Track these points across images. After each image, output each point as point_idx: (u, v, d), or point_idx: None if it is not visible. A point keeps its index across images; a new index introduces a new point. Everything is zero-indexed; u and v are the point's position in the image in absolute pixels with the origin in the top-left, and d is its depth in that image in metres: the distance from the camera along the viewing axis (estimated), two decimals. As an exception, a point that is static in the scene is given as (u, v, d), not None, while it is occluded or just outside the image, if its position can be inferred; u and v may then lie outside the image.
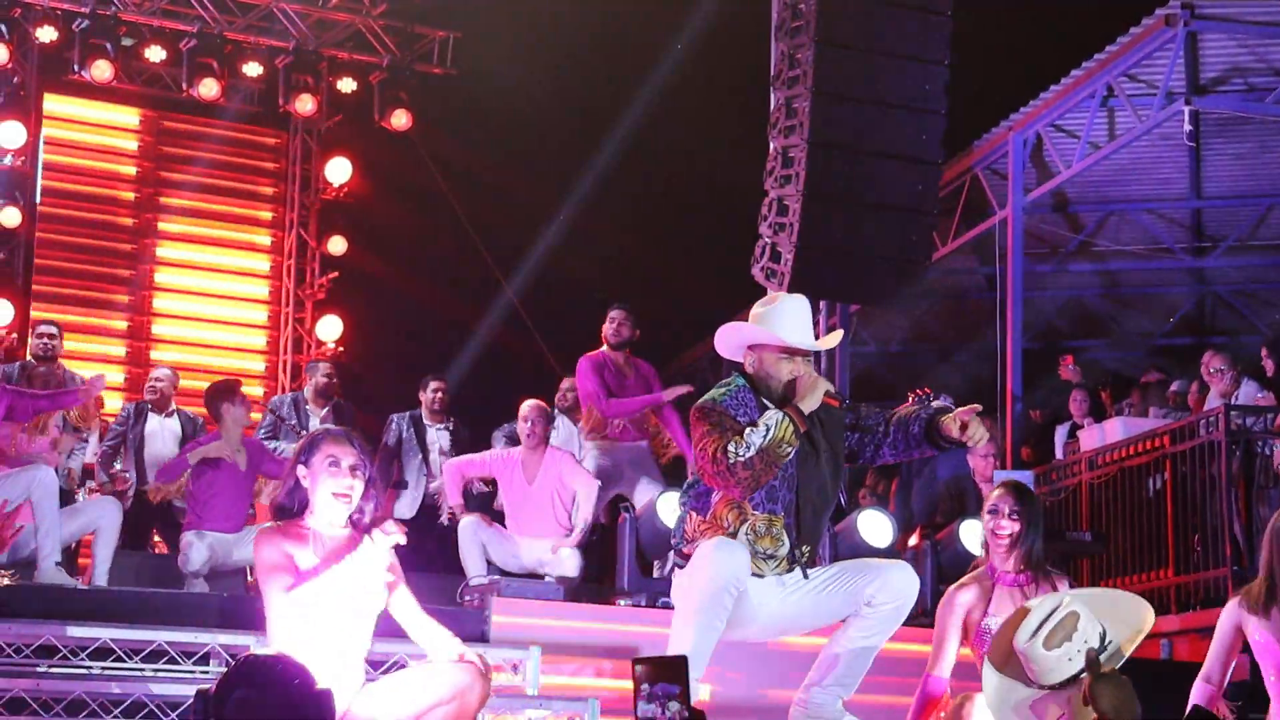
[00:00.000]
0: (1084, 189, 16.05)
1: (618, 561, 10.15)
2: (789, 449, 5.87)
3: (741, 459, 5.82)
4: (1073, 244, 17.20)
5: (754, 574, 6.04)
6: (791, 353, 6.11)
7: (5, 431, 9.50)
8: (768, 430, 5.85)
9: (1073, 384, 14.65)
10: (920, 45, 13.06)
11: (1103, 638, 4.43)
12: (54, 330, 11.67)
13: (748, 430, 5.88)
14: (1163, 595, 11.25)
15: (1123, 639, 4.46)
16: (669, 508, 9.64)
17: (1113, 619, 4.51)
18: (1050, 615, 4.34)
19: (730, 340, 6.29)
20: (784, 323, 6.12)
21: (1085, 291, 18.33)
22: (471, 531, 10.17)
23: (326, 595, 5.52)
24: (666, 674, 3.70)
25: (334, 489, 5.62)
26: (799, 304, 6.21)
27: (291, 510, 5.68)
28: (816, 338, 6.22)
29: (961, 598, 6.51)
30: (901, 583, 6.19)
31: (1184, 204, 16.54)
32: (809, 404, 5.96)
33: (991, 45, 16.09)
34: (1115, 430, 12.72)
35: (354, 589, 5.60)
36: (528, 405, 10.54)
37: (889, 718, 8.60)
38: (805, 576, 6.17)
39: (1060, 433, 14.32)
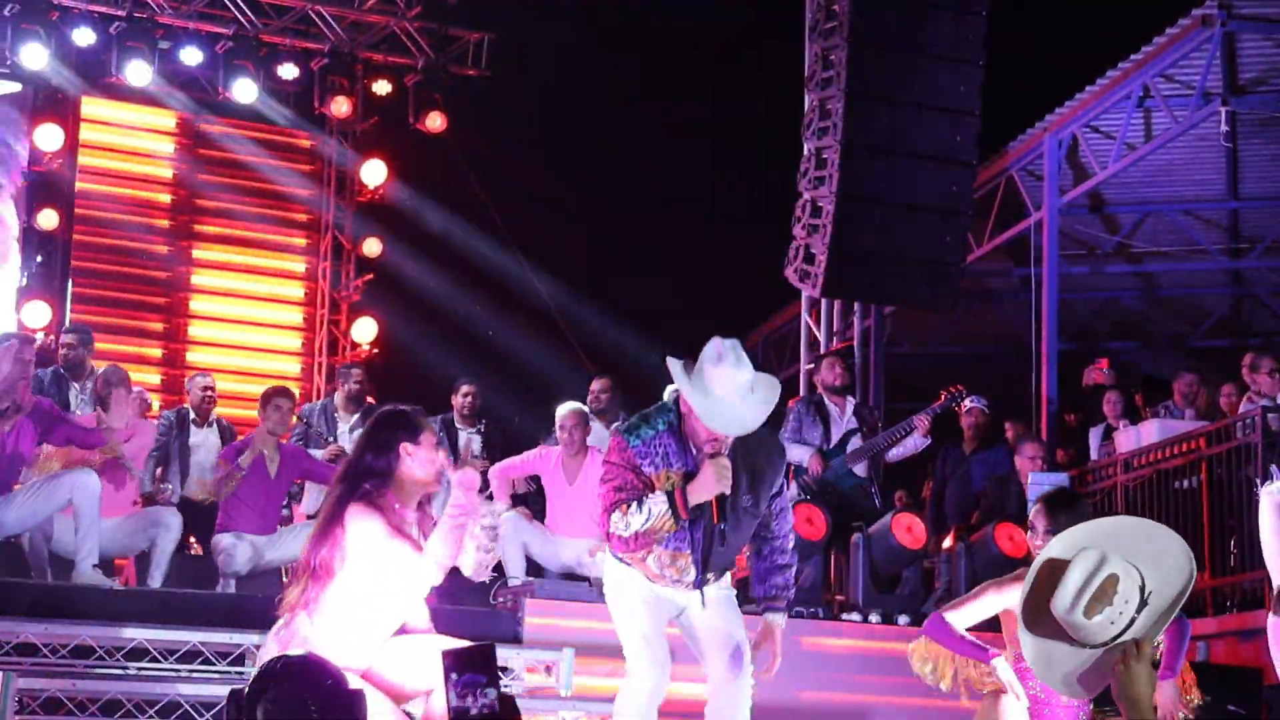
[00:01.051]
0: (1120, 190, 15.99)
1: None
2: (666, 534, 6.04)
3: (620, 534, 6.04)
4: (1109, 245, 17.14)
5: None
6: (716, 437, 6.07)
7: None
8: (649, 517, 5.99)
9: (1105, 386, 14.58)
10: (955, 46, 13.03)
11: (1143, 590, 4.37)
12: (72, 339, 11.65)
13: (632, 506, 5.99)
14: (1199, 598, 11.20)
15: (1164, 588, 4.39)
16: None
17: (1150, 562, 4.44)
18: (1088, 581, 4.29)
19: (672, 387, 6.49)
20: (710, 402, 6.00)
21: (1121, 293, 18.25)
22: (513, 528, 10.15)
23: (406, 570, 5.53)
24: (474, 664, 3.68)
25: (436, 473, 5.74)
26: (737, 375, 6.05)
27: (383, 477, 5.63)
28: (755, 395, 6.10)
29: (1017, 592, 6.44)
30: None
31: (1221, 205, 16.45)
32: (699, 497, 6.01)
33: (1027, 46, 16.05)
34: (1151, 432, 12.66)
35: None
36: (564, 412, 10.53)
37: (904, 716, 8.61)
38: (703, 606, 6.30)
39: (1095, 435, 14.25)
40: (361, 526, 5.53)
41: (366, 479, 5.62)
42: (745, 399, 6.02)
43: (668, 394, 7.15)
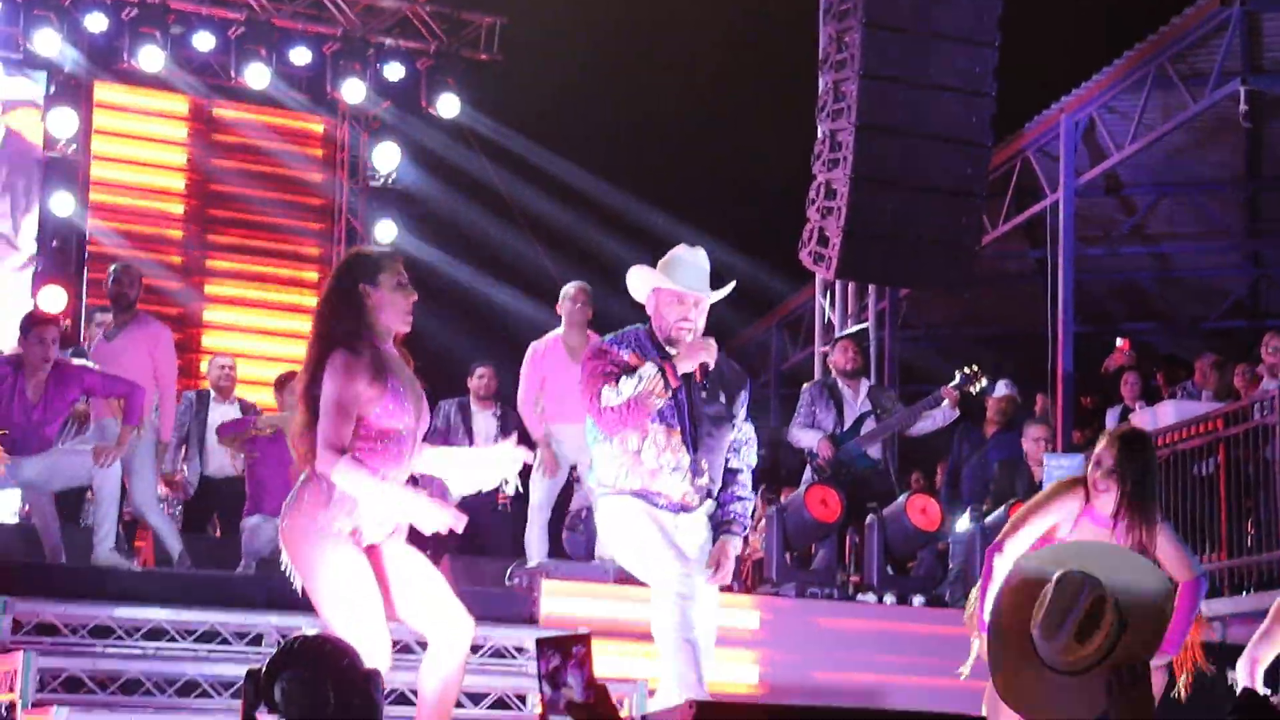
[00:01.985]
0: (1137, 171, 15.93)
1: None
2: (659, 401, 6.24)
3: (612, 404, 6.24)
4: (1125, 227, 17.10)
5: (652, 504, 6.44)
6: (683, 299, 6.45)
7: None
8: (639, 381, 6.24)
9: (1124, 368, 14.56)
10: (970, 27, 13.00)
11: (1120, 609, 4.27)
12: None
13: (623, 377, 6.28)
14: (1216, 578, 11.17)
15: (1143, 606, 4.28)
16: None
17: (1128, 578, 4.34)
18: (1074, 605, 4.18)
19: (633, 282, 6.62)
20: (678, 271, 6.48)
21: (1138, 275, 18.21)
22: (540, 503, 10.11)
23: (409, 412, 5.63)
24: (569, 651, 3.65)
25: (407, 310, 5.72)
26: (695, 254, 6.55)
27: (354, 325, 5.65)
28: (715, 286, 6.53)
29: (1067, 503, 6.56)
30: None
31: (1239, 186, 16.40)
32: (685, 365, 6.32)
33: (1042, 26, 16.01)
34: (1167, 413, 12.64)
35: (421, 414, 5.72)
36: (572, 287, 10.48)
37: (920, 696, 8.61)
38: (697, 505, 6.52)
39: (1112, 416, 14.23)
40: (339, 367, 5.53)
41: (338, 331, 5.61)
42: (705, 267, 6.51)
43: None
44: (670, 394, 6.32)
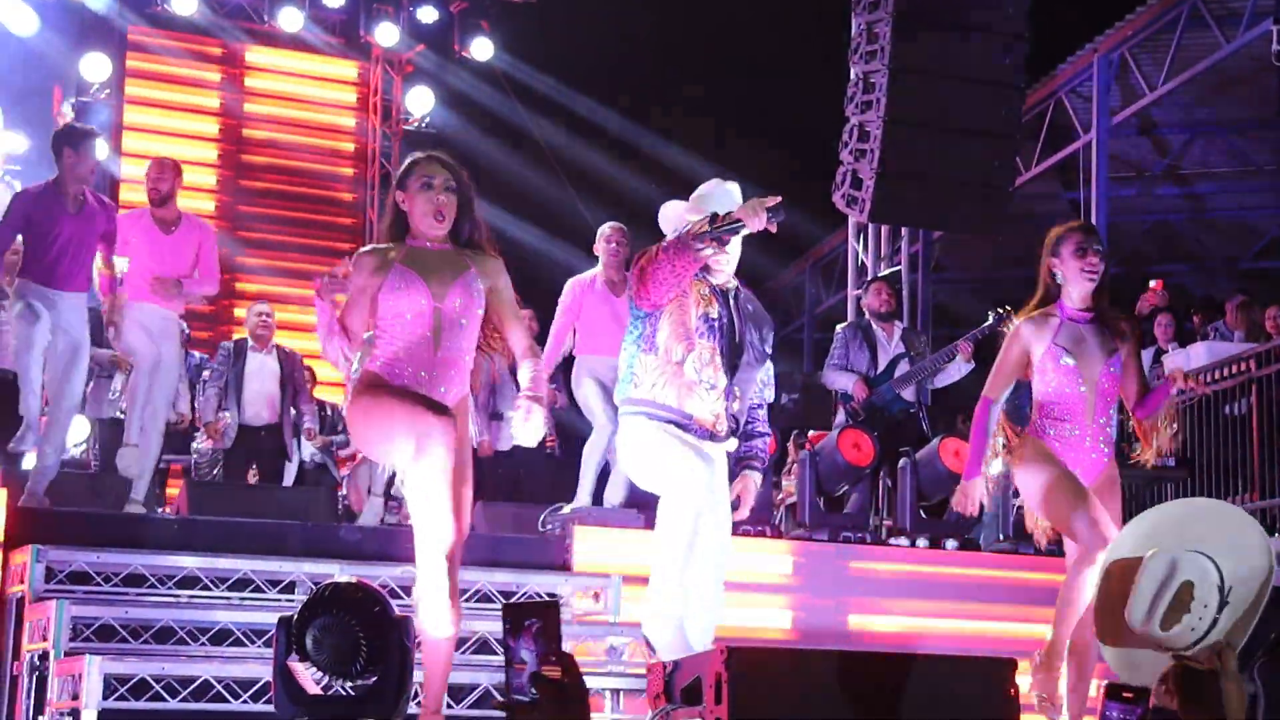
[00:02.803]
0: (1170, 111, 15.83)
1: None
2: (702, 248, 6.22)
3: (664, 247, 6.29)
4: (1158, 167, 16.99)
5: (681, 425, 6.51)
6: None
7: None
8: (687, 225, 6.35)
9: (1158, 309, 14.49)
10: (1003, -33, 12.89)
11: (1221, 589, 4.23)
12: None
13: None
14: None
15: (1246, 580, 4.22)
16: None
17: (1227, 551, 4.28)
18: (1161, 591, 4.15)
19: (666, 216, 6.72)
20: (711, 201, 6.55)
21: (1171, 215, 18.11)
22: (593, 446, 10.10)
23: (418, 297, 5.87)
24: (534, 621, 3.63)
25: (427, 208, 5.95)
26: (729, 186, 6.65)
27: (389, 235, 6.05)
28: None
29: (1026, 329, 6.89)
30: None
31: (1272, 125, 16.28)
32: (754, 223, 6.27)
33: (1076, -34, 15.87)
34: (1200, 354, 12.60)
35: (449, 296, 5.93)
36: (608, 228, 10.46)
37: (952, 640, 8.62)
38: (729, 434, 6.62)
39: (1145, 357, 14.18)
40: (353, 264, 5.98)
41: (377, 233, 6.12)
42: (739, 196, 6.59)
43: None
44: (712, 309, 6.48)
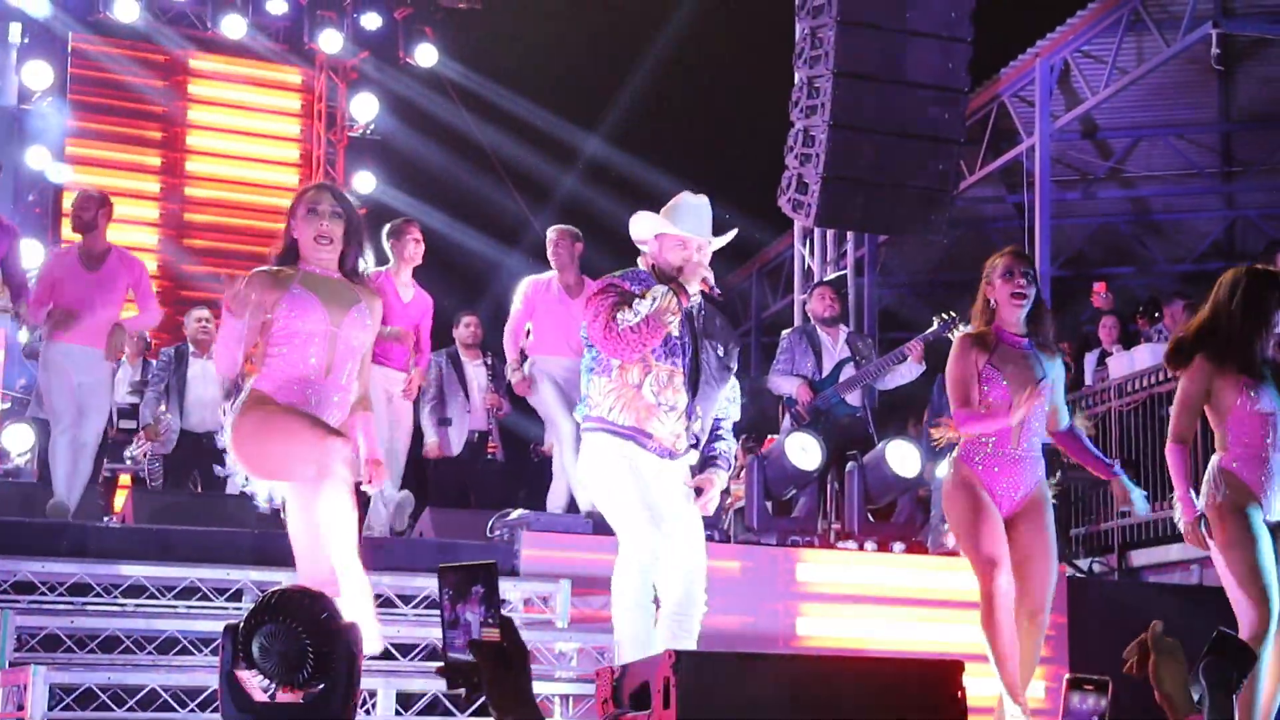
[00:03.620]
0: (1112, 115, 15.96)
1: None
2: (671, 318, 6.33)
3: (630, 324, 6.33)
4: (1101, 170, 17.11)
5: (641, 446, 6.54)
6: (686, 244, 6.60)
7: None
8: (654, 300, 6.35)
9: (1102, 311, 14.60)
10: (947, -29, 12.95)
11: None
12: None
13: (635, 300, 6.41)
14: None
15: None
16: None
17: None
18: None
19: (637, 227, 6.77)
20: (682, 216, 6.63)
21: (1114, 218, 18.23)
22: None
23: (317, 320, 5.97)
24: (473, 584, 3.60)
25: (315, 232, 6.07)
26: (699, 201, 6.69)
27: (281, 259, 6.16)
28: (717, 234, 6.69)
29: (969, 342, 7.04)
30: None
31: (1213, 128, 16.42)
32: (692, 283, 6.44)
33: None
34: (1144, 357, 12.68)
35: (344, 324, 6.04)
36: (552, 229, 10.47)
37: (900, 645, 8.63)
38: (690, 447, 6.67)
39: (1090, 360, 14.28)
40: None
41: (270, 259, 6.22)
42: (708, 213, 6.65)
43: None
44: (681, 311, 6.46)
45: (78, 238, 9.89)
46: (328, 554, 5.90)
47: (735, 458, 6.98)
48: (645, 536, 6.42)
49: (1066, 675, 3.62)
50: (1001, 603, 6.82)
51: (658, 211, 6.73)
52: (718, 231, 6.68)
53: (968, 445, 7.00)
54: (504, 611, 3.54)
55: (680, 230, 6.59)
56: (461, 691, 3.46)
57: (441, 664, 3.50)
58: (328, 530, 5.87)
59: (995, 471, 6.95)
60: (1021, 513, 6.94)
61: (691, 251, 6.57)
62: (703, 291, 6.62)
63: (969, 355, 6.98)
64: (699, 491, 6.70)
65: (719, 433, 6.84)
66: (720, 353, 6.72)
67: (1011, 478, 6.94)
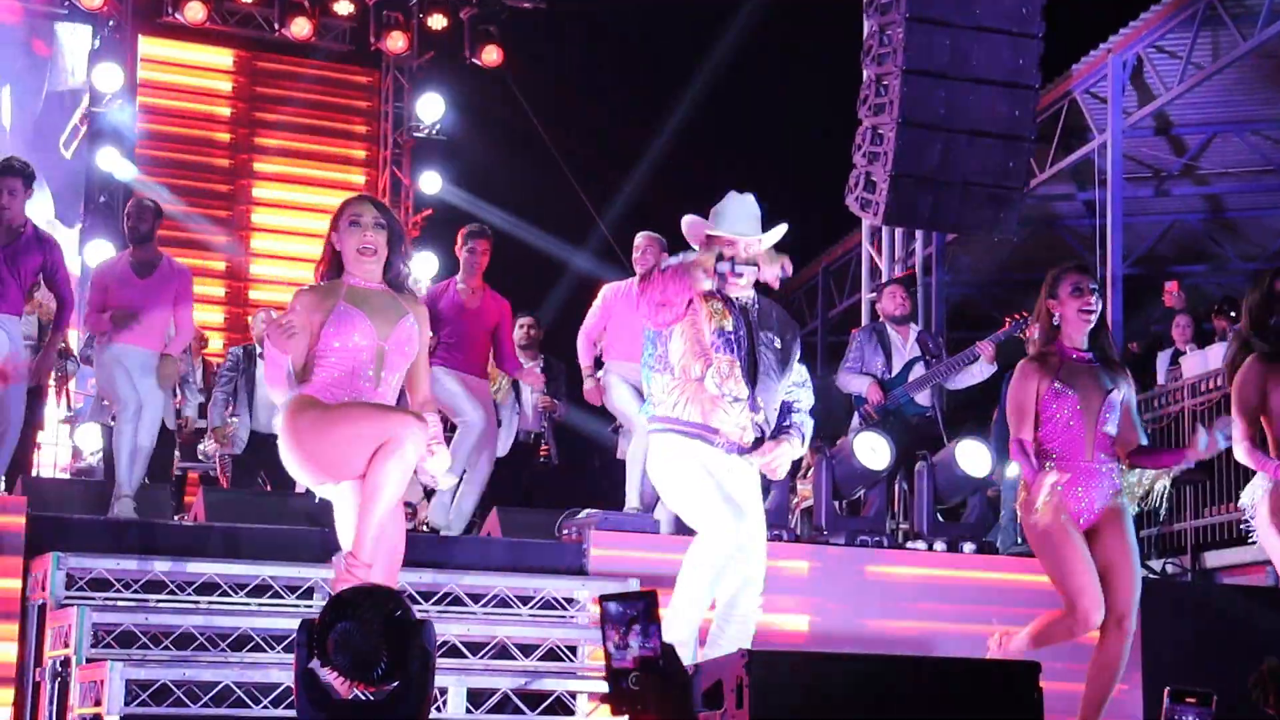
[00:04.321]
0: (1186, 111, 15.79)
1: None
2: (703, 275, 6.42)
3: (666, 265, 6.52)
4: (1175, 167, 16.95)
5: (708, 444, 6.59)
6: (734, 244, 6.68)
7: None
8: (699, 257, 6.50)
9: (1175, 310, 14.46)
10: (1017, -34, 12.87)
11: None
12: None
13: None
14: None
15: None
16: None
17: None
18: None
19: (687, 231, 6.86)
20: (729, 217, 6.74)
21: (1187, 216, 18.07)
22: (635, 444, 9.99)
23: (364, 335, 5.94)
24: (634, 609, 3.60)
25: (358, 244, 6.06)
26: (745, 200, 6.80)
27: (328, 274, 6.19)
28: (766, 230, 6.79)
29: (1032, 366, 6.98)
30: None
31: (1291, 124, 16.24)
32: (741, 264, 6.55)
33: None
34: (1218, 356, 12.56)
35: (392, 337, 6.01)
36: (640, 238, 10.47)
37: (969, 644, 8.58)
38: (758, 440, 6.69)
39: (1163, 359, 14.15)
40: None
41: (317, 274, 6.26)
42: (756, 212, 6.77)
43: None
44: (727, 322, 6.55)
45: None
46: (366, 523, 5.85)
47: (804, 458, 6.97)
48: (729, 530, 6.45)
49: (1168, 688, 3.56)
50: (1081, 631, 6.82)
51: (706, 215, 6.80)
52: (766, 228, 6.74)
53: (1040, 456, 6.90)
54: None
55: (727, 231, 6.67)
56: (625, 718, 3.48)
57: (607, 691, 3.52)
58: (372, 490, 5.80)
59: (1073, 482, 6.85)
60: (1101, 523, 6.88)
61: (740, 250, 6.65)
62: (757, 284, 6.70)
63: (1030, 381, 6.93)
64: (769, 455, 6.72)
65: (793, 410, 6.87)
66: (778, 344, 6.75)
67: (1087, 490, 6.87)
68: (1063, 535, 6.77)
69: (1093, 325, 6.96)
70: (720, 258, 6.46)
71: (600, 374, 10.27)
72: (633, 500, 9.87)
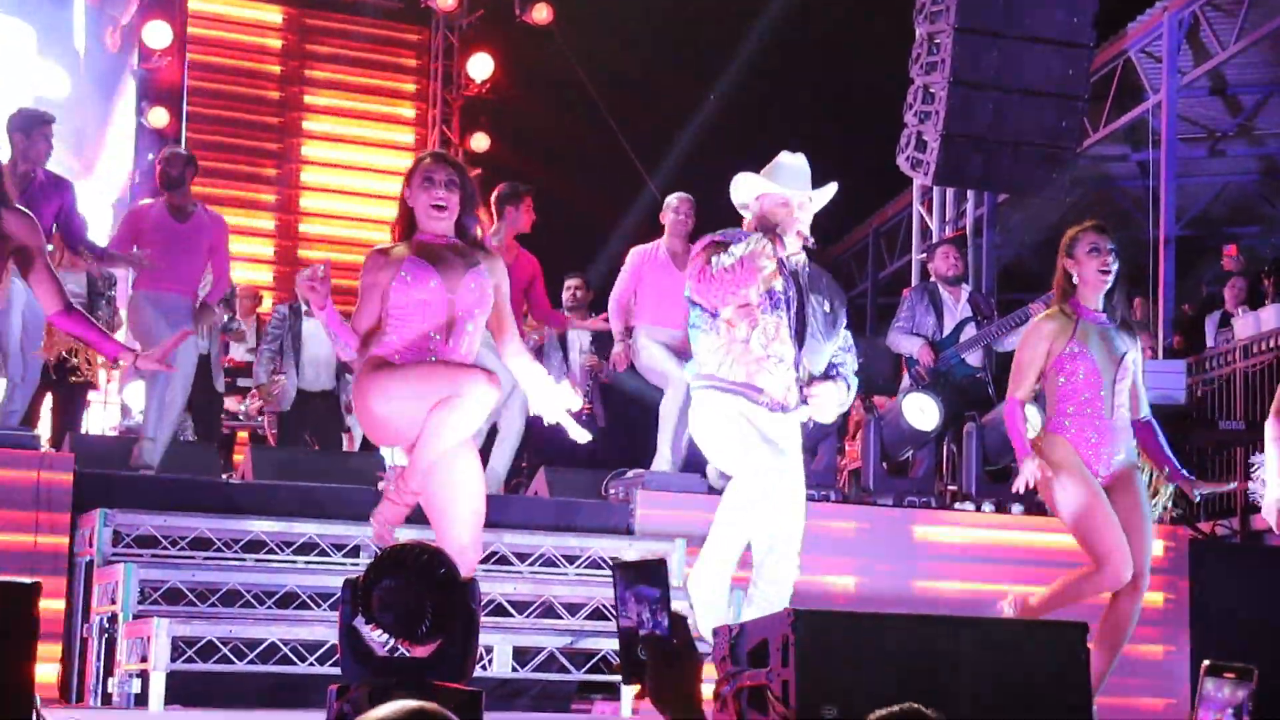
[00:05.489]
0: (1242, 70, 15.60)
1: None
2: (766, 262, 6.40)
3: (724, 265, 6.40)
4: (1230, 127, 16.77)
5: (752, 401, 6.58)
6: (788, 203, 6.67)
7: None
8: (748, 245, 6.42)
9: (1230, 273, 14.34)
10: (1071, -75, 12.72)
11: None
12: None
13: (733, 245, 6.49)
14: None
15: None
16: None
17: None
18: None
19: (739, 188, 6.84)
20: (782, 175, 6.74)
21: (1241, 177, 17.88)
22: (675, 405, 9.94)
23: (434, 289, 5.92)
24: (646, 579, 3.58)
25: (430, 201, 6.01)
26: (798, 159, 6.80)
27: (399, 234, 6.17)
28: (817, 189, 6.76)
29: (1047, 328, 6.97)
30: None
31: (1350, 82, 16.04)
32: (790, 238, 6.56)
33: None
34: (1271, 318, 12.44)
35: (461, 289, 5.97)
36: (674, 195, 10.41)
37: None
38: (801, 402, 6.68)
39: (1211, 321, 14.04)
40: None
41: (393, 233, 6.23)
42: (807, 171, 6.76)
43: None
44: (777, 282, 6.52)
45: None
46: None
47: (853, 389, 6.91)
48: (762, 471, 6.46)
49: (1206, 662, 3.50)
50: (1111, 587, 6.86)
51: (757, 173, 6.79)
52: (817, 187, 6.72)
53: (1059, 415, 6.92)
54: (665, 562, 3.54)
55: (780, 189, 6.65)
56: (637, 687, 3.46)
57: (619, 661, 3.50)
58: (423, 436, 5.78)
59: (1091, 441, 6.88)
60: (1115, 482, 6.89)
61: (794, 208, 6.63)
62: (805, 248, 6.69)
63: (1043, 341, 6.94)
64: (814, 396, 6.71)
65: (840, 368, 6.84)
66: (826, 309, 6.75)
67: (1107, 446, 6.89)
68: (1089, 494, 6.77)
69: (1109, 286, 6.95)
70: (772, 241, 6.42)
71: (631, 340, 10.22)
72: (665, 454, 9.81)
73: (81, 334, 6.31)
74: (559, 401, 6.25)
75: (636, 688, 3.44)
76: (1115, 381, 6.88)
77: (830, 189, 6.78)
